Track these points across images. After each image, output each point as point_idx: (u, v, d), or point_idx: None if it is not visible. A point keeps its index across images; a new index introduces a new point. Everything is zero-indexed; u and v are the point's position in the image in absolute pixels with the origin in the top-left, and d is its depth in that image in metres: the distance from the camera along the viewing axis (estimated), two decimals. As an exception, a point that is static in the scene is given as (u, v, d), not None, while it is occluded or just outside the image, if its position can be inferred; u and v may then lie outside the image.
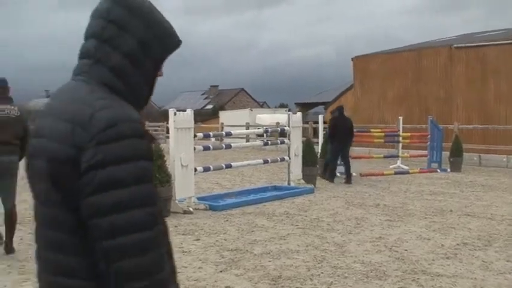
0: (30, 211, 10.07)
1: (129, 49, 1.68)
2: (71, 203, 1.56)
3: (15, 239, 7.70)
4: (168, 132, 12.13)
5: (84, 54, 1.73)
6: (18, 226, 8.75)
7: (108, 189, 1.50)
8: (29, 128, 7.20)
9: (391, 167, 18.97)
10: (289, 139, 13.73)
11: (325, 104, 40.00)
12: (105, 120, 1.54)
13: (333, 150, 15.05)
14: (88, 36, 1.73)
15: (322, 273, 6.36)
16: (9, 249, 7.26)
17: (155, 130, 37.52)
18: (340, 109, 15.95)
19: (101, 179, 1.50)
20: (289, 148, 13.69)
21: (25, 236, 8.12)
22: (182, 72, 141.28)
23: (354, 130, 15.94)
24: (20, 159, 7.22)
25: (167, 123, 12.11)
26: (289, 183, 13.55)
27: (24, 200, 11.51)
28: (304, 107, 44.05)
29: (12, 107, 7.15)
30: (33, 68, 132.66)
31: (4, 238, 7.40)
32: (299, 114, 14.77)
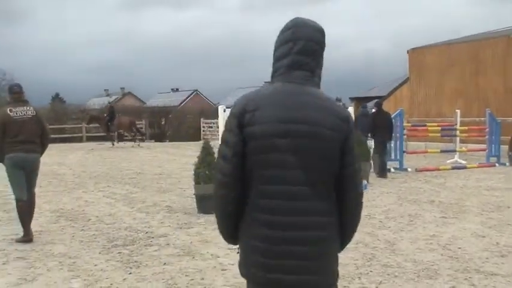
0: (83, 208, 10.36)
1: (322, 65, 2.69)
2: (332, 169, 2.54)
3: (67, 237, 7.92)
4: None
5: (304, 66, 2.60)
6: (70, 223, 9.04)
7: (356, 160, 2.62)
8: (47, 126, 8.21)
9: (448, 161, 18.54)
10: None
11: (380, 98, 39.38)
12: (350, 117, 2.61)
13: (375, 146, 14.97)
14: (306, 54, 2.59)
15: (371, 271, 6.23)
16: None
17: (210, 127, 37.84)
18: (378, 104, 15.84)
19: (356, 153, 2.61)
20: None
21: (77, 233, 8.31)
22: (239, 69, 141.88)
23: (400, 124, 15.94)
24: (40, 155, 8.10)
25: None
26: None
27: (79, 197, 11.85)
28: (359, 102, 43.47)
29: (28, 108, 7.93)
30: (91, 68, 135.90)
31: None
32: (350, 108, 14.55)
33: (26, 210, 7.91)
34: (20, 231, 8.15)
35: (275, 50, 2.69)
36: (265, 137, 2.48)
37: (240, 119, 2.52)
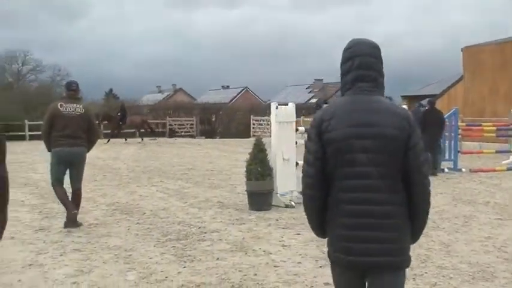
0: (138, 202, 10.55)
1: (384, 75, 3.13)
2: (398, 164, 2.94)
3: (123, 230, 8.13)
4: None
5: (366, 78, 3.05)
6: (125, 217, 9.24)
7: (421, 155, 2.99)
8: (94, 124, 8.68)
9: (503, 162, 18.09)
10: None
11: (433, 96, 38.67)
12: (411, 117, 3.01)
13: (425, 143, 14.85)
14: (366, 68, 3.05)
15: (426, 273, 6.15)
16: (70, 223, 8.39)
17: (260, 124, 37.94)
18: (430, 102, 15.73)
19: (420, 148, 2.98)
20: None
21: (132, 227, 8.47)
22: (289, 66, 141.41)
23: (447, 123, 15.76)
24: (88, 150, 8.52)
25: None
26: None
27: (133, 191, 12.07)
28: (411, 100, 42.80)
29: (78, 106, 8.38)
30: (144, 64, 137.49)
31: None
32: (404, 107, 14.37)
33: (60, 189, 8.42)
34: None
35: (340, 67, 3.18)
36: (340, 140, 2.96)
37: (318, 129, 3.04)
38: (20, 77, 65.72)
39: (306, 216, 3.24)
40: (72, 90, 8.50)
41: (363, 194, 2.93)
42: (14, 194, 11.78)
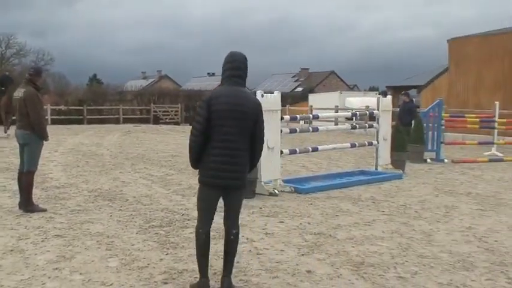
0: (121, 188, 10.49)
1: (247, 76, 5.11)
2: (250, 129, 5.03)
3: (105, 216, 8.11)
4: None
5: (238, 76, 4.99)
6: (108, 203, 9.20)
7: (263, 127, 5.18)
8: (31, 109, 8.28)
9: (485, 154, 18.24)
10: (378, 123, 13.45)
11: (418, 88, 38.90)
12: (260, 104, 5.13)
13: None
14: (239, 68, 5.00)
15: (406, 261, 6.20)
16: (19, 205, 8.54)
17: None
18: (407, 93, 18.11)
19: (262, 123, 5.12)
20: (377, 132, 13.43)
21: (115, 213, 8.42)
22: (275, 54, 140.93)
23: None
24: (30, 133, 8.31)
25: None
26: (376, 168, 13.31)
27: (116, 177, 12.01)
28: (396, 91, 42.93)
29: (22, 90, 8.45)
30: (130, 49, 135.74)
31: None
32: (389, 97, 14.43)
33: (19, 179, 8.56)
34: (57, 210, 8.52)
35: (223, 67, 5.02)
36: (221, 111, 4.87)
37: (209, 103, 4.89)
38: (3, 61, 65.03)
39: (189, 155, 5.01)
40: (27, 74, 8.67)
41: (230, 143, 4.87)
42: (-4, 179, 11.68)
